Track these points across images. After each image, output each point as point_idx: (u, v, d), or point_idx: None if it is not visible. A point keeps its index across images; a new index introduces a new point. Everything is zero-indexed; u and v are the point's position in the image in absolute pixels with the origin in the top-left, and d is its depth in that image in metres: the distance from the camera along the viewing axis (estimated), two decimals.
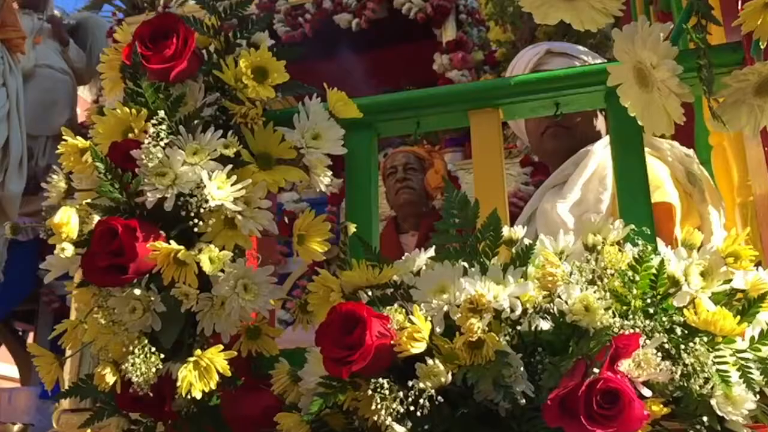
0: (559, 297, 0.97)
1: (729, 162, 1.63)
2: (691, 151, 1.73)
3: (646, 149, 1.56)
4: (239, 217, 1.06)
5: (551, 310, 0.98)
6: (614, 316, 0.90)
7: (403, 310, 0.97)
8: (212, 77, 1.15)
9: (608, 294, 0.94)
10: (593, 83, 1.24)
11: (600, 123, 1.90)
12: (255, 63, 1.11)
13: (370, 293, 1.08)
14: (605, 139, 1.80)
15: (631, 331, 0.89)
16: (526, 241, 1.07)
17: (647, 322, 0.90)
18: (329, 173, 1.20)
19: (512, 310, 0.96)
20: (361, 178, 1.30)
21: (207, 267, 1.02)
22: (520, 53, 1.98)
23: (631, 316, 0.90)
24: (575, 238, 1.07)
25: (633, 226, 1.03)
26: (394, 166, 3.34)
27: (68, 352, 1.20)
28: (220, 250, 1.05)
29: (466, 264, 1.03)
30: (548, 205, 1.75)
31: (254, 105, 1.12)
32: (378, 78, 4.60)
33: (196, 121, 1.07)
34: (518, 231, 1.10)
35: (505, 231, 1.09)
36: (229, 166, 1.05)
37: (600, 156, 1.74)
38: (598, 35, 3.55)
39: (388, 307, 0.97)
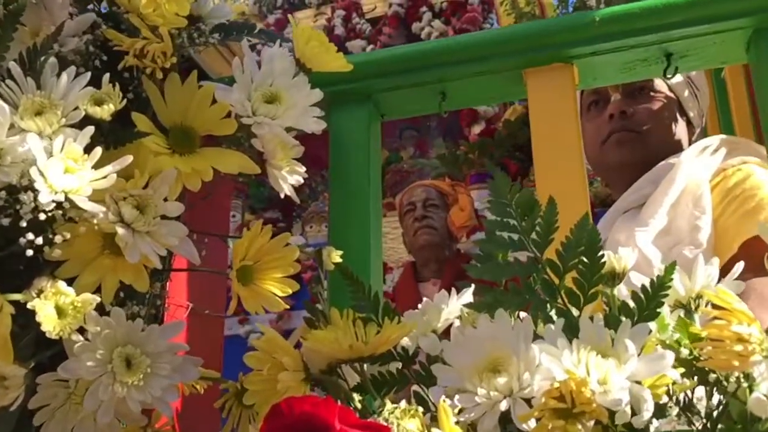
0: (742, 383, 0.47)
1: None
2: None
3: (749, 157, 1.26)
4: (121, 230, 0.58)
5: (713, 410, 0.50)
6: None
7: (419, 410, 0.48)
8: None
9: None
10: (731, 15, 0.75)
11: (680, 130, 1.50)
12: None
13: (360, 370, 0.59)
14: (694, 148, 1.39)
15: None
16: (639, 278, 0.59)
17: None
18: (300, 169, 0.72)
19: (635, 411, 0.47)
20: (353, 180, 0.81)
21: (48, 323, 0.53)
22: None
23: None
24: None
25: None
26: (412, 203, 2.93)
27: None
28: (94, 292, 0.57)
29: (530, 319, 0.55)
30: (622, 236, 1.33)
31: (160, 39, 0.64)
32: None
33: (44, 58, 0.59)
34: (626, 255, 0.61)
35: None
36: (91, 128, 0.56)
37: (690, 170, 1.33)
38: None
39: (388, 406, 0.48)
